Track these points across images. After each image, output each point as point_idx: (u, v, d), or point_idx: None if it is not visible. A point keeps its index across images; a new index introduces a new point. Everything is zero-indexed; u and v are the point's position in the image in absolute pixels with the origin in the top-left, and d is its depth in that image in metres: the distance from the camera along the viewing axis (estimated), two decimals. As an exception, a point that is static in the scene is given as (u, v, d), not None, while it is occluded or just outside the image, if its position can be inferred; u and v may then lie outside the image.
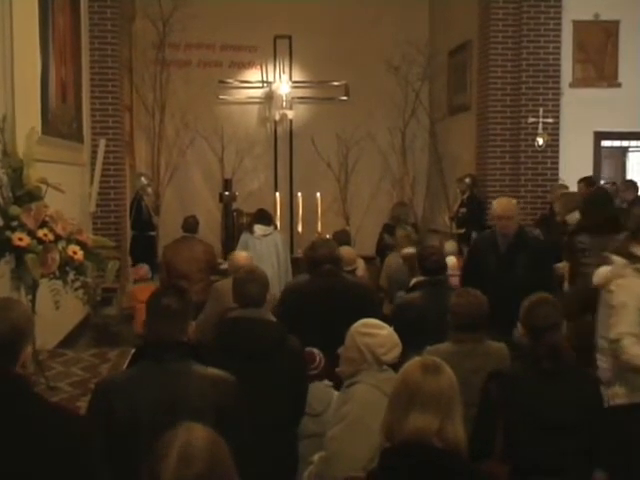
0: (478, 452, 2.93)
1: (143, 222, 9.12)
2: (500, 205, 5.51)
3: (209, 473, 1.66)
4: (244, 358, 3.26)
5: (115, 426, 2.53)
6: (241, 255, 6.09)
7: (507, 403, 3.01)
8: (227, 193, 10.69)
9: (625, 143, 9.95)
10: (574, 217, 6.31)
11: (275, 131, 11.70)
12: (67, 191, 4.97)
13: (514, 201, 5.75)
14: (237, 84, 11.61)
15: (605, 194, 5.81)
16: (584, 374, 3.12)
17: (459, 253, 8.25)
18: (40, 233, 4.04)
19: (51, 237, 4.08)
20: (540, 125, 8.96)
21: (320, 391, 3.78)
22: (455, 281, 5.92)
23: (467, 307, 3.66)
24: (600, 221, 5.07)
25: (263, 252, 7.23)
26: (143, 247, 8.93)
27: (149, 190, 9.45)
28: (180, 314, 2.72)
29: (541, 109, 8.96)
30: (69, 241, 4.20)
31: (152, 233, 9.39)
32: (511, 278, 5.04)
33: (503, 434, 3.00)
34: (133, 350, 4.01)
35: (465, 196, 9.23)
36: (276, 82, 11.53)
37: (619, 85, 9.10)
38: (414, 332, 3.97)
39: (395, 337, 3.27)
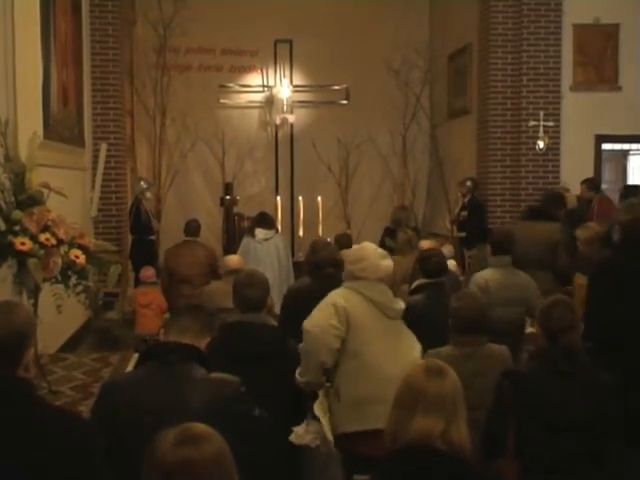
0: (490, 451, 2.94)
1: (142, 226, 9.11)
2: None
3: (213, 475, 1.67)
4: (244, 362, 3.26)
5: (118, 426, 2.53)
6: (233, 259, 6.10)
7: (520, 402, 3.01)
8: (228, 197, 10.71)
9: (626, 146, 9.94)
10: None
11: (276, 135, 11.71)
12: (69, 195, 4.99)
13: None
14: (238, 88, 11.62)
15: None
16: (598, 376, 3.12)
17: (461, 257, 8.25)
18: (42, 237, 4.05)
19: (53, 241, 4.09)
20: (541, 128, 8.97)
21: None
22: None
23: (468, 310, 3.67)
24: None
25: (264, 256, 7.24)
26: (143, 251, 8.92)
27: (148, 194, 9.43)
28: (193, 331, 2.75)
29: (542, 112, 8.98)
30: (71, 245, 4.22)
31: (152, 237, 9.38)
32: None
33: (515, 433, 3.01)
34: (136, 354, 4.01)
35: (466, 199, 9.23)
36: (277, 86, 11.55)
37: (619, 88, 9.10)
38: (417, 335, 3.97)
39: (364, 251, 3.71)
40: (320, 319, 3.50)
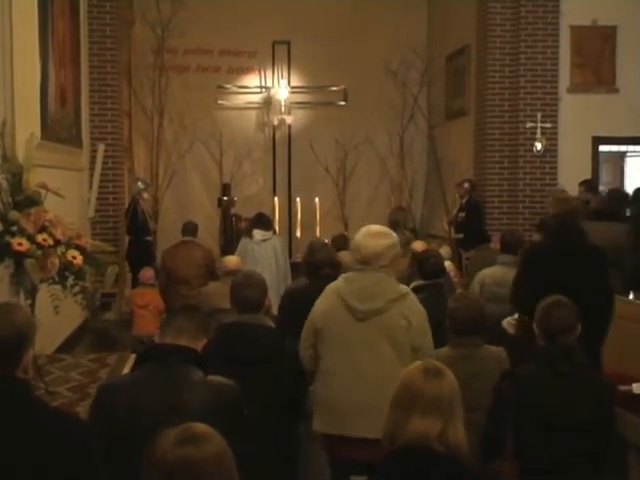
0: (489, 452, 2.94)
1: (138, 227, 9.09)
2: None
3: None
4: (242, 363, 3.25)
5: (116, 428, 2.53)
6: (232, 260, 6.10)
7: (519, 402, 3.02)
8: (225, 198, 10.71)
9: (623, 148, 9.96)
10: None
11: (273, 136, 11.71)
12: (66, 196, 4.98)
13: None
14: (235, 89, 11.62)
15: None
16: (596, 376, 3.13)
17: (458, 259, 8.25)
18: (39, 238, 4.05)
19: (50, 242, 4.09)
20: (538, 130, 8.98)
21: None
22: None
23: (465, 311, 3.67)
24: None
25: (262, 257, 7.24)
26: (140, 252, 8.89)
27: (145, 195, 9.42)
28: (190, 332, 2.74)
29: (539, 114, 8.99)
30: (68, 246, 4.21)
31: (148, 238, 9.37)
32: None
33: (514, 433, 3.02)
34: (133, 355, 4.00)
35: (464, 201, 9.23)
36: (274, 87, 11.55)
37: (617, 90, 9.12)
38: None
39: (364, 241, 3.51)
40: (301, 338, 3.62)
